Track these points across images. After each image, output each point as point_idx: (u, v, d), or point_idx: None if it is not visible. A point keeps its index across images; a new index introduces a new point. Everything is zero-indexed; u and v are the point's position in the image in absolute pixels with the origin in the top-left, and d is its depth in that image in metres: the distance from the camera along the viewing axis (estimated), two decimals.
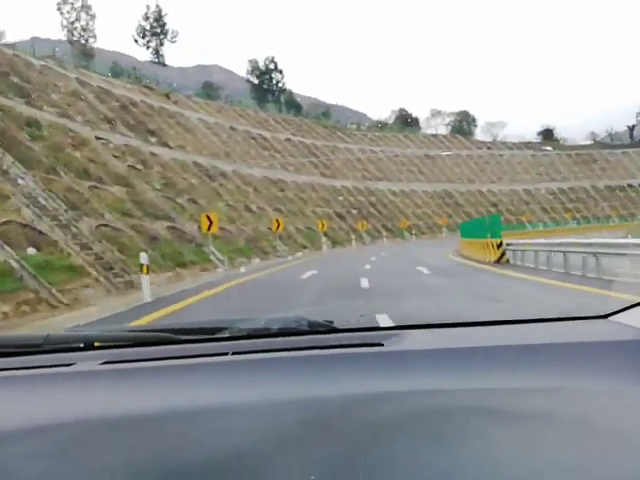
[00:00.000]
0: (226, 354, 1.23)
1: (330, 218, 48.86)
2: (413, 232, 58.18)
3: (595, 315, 1.44)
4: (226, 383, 1.09)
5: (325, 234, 42.34)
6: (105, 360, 1.23)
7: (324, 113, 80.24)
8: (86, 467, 0.79)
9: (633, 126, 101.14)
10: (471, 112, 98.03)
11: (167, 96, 48.00)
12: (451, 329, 1.44)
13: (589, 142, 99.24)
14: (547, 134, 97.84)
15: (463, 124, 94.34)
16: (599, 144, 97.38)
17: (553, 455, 0.76)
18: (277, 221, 34.26)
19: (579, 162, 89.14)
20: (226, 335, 1.40)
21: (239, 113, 59.32)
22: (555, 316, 1.48)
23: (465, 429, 0.86)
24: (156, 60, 75.05)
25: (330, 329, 1.43)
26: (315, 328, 1.42)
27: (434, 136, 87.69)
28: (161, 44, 75.22)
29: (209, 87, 68.38)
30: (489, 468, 0.74)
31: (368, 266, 19.83)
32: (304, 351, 1.22)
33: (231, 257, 26.01)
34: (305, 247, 39.87)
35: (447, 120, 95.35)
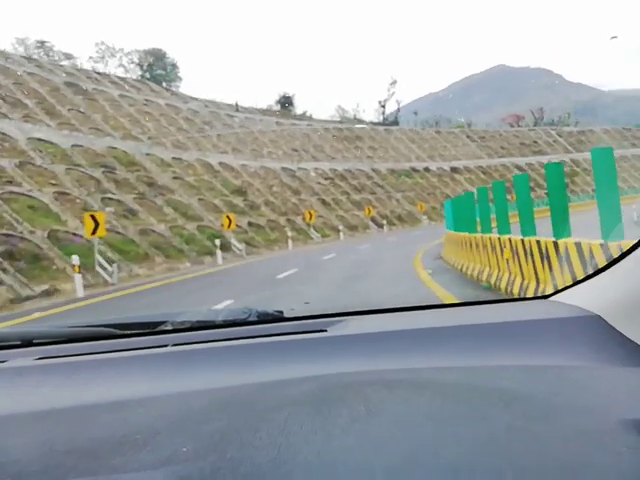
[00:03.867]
0: (166, 346, 1.21)
1: None
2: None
3: (537, 296, 1.50)
4: (163, 374, 1.09)
5: None
6: (40, 356, 1.21)
7: None
8: (12, 458, 0.75)
9: (385, 101, 78.72)
10: (169, 53, 58.12)
11: None
12: (396, 313, 1.44)
13: (337, 118, 72.36)
14: (286, 102, 68.30)
15: (156, 70, 53.82)
16: (355, 120, 72.53)
17: (488, 431, 0.71)
18: None
19: (341, 138, 60.46)
20: (168, 328, 1.38)
21: None
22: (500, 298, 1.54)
23: (398, 406, 0.80)
24: None
25: (277, 318, 1.43)
26: (262, 318, 1.42)
27: (101, 74, 45.26)
28: None
29: None
30: (419, 444, 0.68)
31: None
32: (244, 340, 1.21)
33: None
34: None
35: (125, 60, 53.66)
